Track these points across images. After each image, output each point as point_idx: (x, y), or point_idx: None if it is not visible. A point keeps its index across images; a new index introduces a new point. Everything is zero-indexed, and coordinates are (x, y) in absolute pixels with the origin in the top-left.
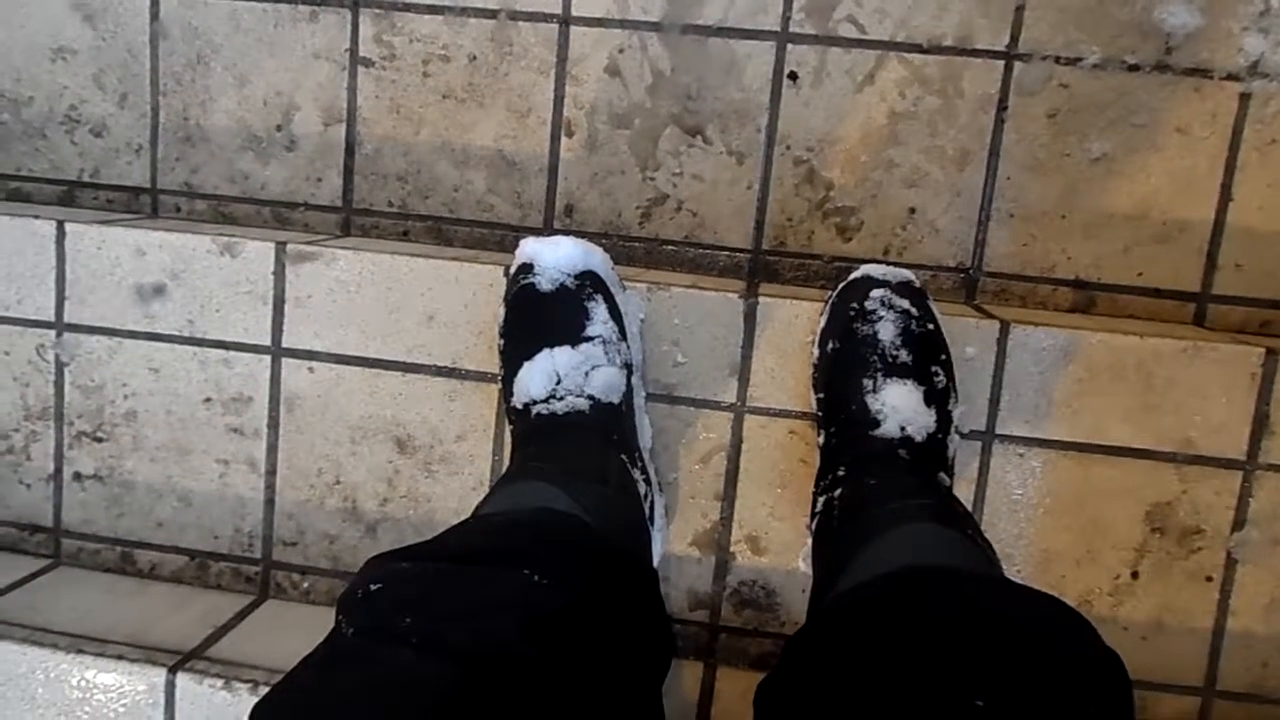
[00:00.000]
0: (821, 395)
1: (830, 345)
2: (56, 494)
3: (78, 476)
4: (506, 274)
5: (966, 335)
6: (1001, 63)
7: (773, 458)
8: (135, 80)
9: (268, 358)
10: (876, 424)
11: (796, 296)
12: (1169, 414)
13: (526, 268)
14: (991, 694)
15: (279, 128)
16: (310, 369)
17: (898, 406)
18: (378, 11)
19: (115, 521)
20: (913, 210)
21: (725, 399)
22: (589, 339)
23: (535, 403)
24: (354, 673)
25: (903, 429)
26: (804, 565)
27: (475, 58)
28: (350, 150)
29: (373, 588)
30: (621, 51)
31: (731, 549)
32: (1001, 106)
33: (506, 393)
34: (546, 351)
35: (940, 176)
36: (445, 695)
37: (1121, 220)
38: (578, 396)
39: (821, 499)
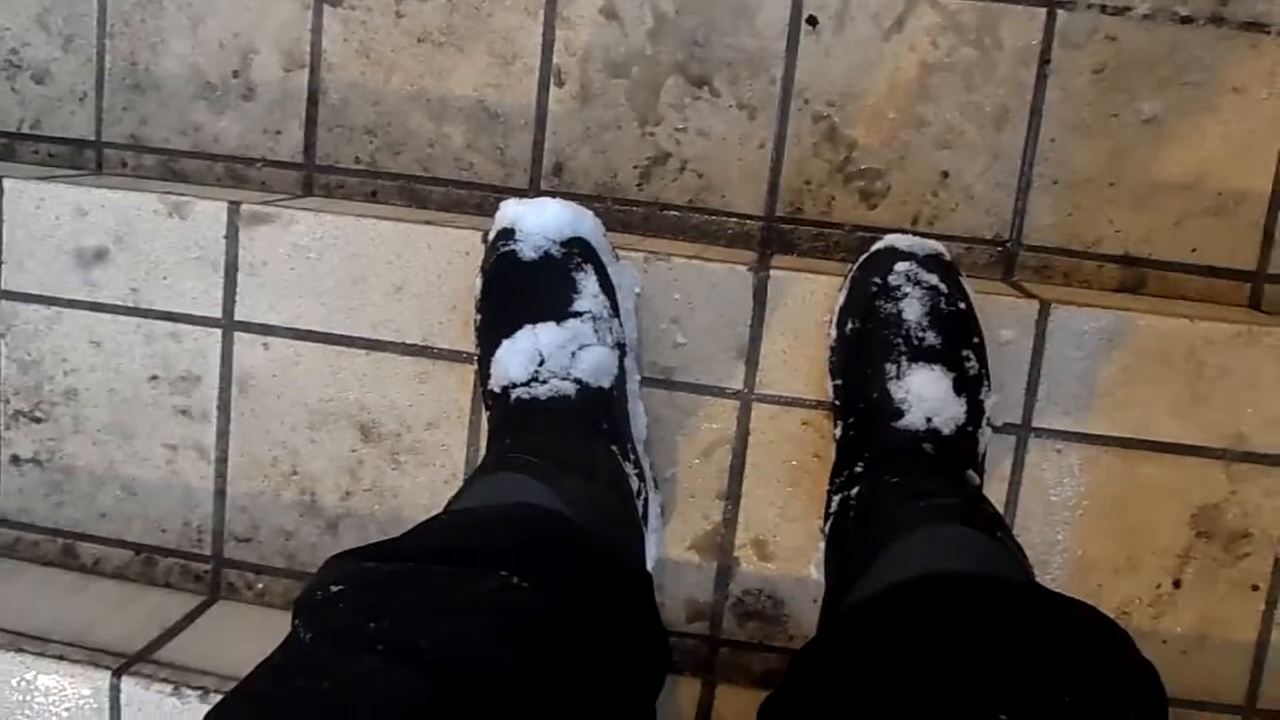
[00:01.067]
0: (839, 382)
1: (849, 325)
2: None
3: (15, 460)
4: (485, 240)
5: (1002, 316)
6: (1044, 10)
7: (783, 452)
8: (81, 21)
9: (218, 331)
10: (900, 414)
11: (813, 270)
12: (1220, 406)
13: (507, 233)
14: (1016, 708)
15: (235, 74)
16: (265, 345)
17: (924, 395)
18: None
19: (56, 510)
20: (945, 174)
21: (731, 385)
22: (576, 315)
23: (515, 386)
24: (313, 682)
25: (929, 420)
26: (815, 572)
27: None
28: (313, 99)
29: (333, 589)
30: None
31: (735, 554)
32: (1044, 60)
33: (483, 374)
34: (529, 328)
35: (976, 137)
36: (415, 707)
37: (1173, 190)
38: (563, 379)
39: (837, 498)
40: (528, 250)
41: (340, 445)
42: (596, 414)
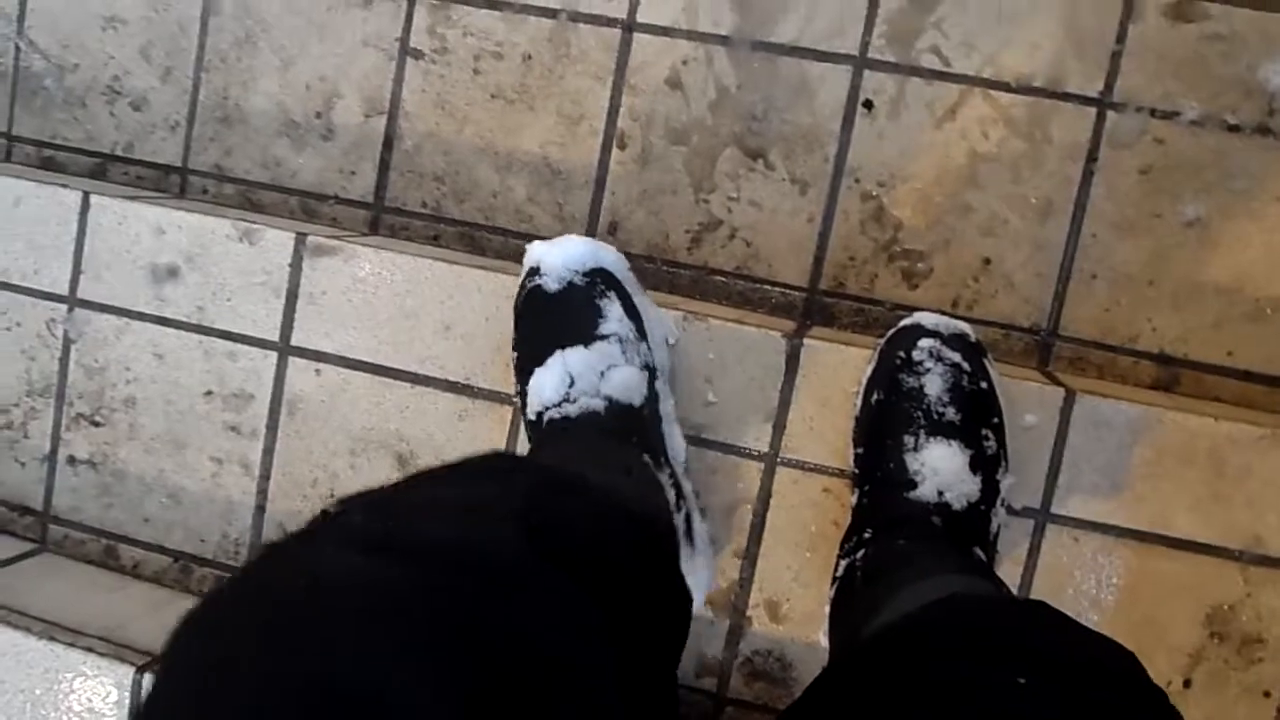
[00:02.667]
0: (860, 450)
1: (874, 396)
2: (49, 476)
3: (71, 460)
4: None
5: (1027, 401)
6: (1094, 110)
7: (803, 517)
8: (181, 55)
9: (274, 354)
10: (912, 485)
11: (846, 342)
12: (1240, 507)
13: (533, 271)
14: (1035, 673)
15: (318, 115)
16: (317, 371)
17: (938, 468)
18: (434, 2)
19: (104, 512)
20: (987, 261)
21: (757, 447)
22: (603, 337)
23: (548, 408)
24: (290, 576)
25: (940, 494)
26: (824, 639)
27: (530, 57)
28: (388, 144)
29: (332, 510)
30: (685, 63)
31: (748, 613)
32: (1091, 157)
33: (522, 407)
34: (558, 353)
35: (1020, 227)
36: (400, 596)
37: (1213, 292)
38: (592, 397)
39: (844, 562)
40: (552, 283)
41: (378, 472)
42: (628, 428)
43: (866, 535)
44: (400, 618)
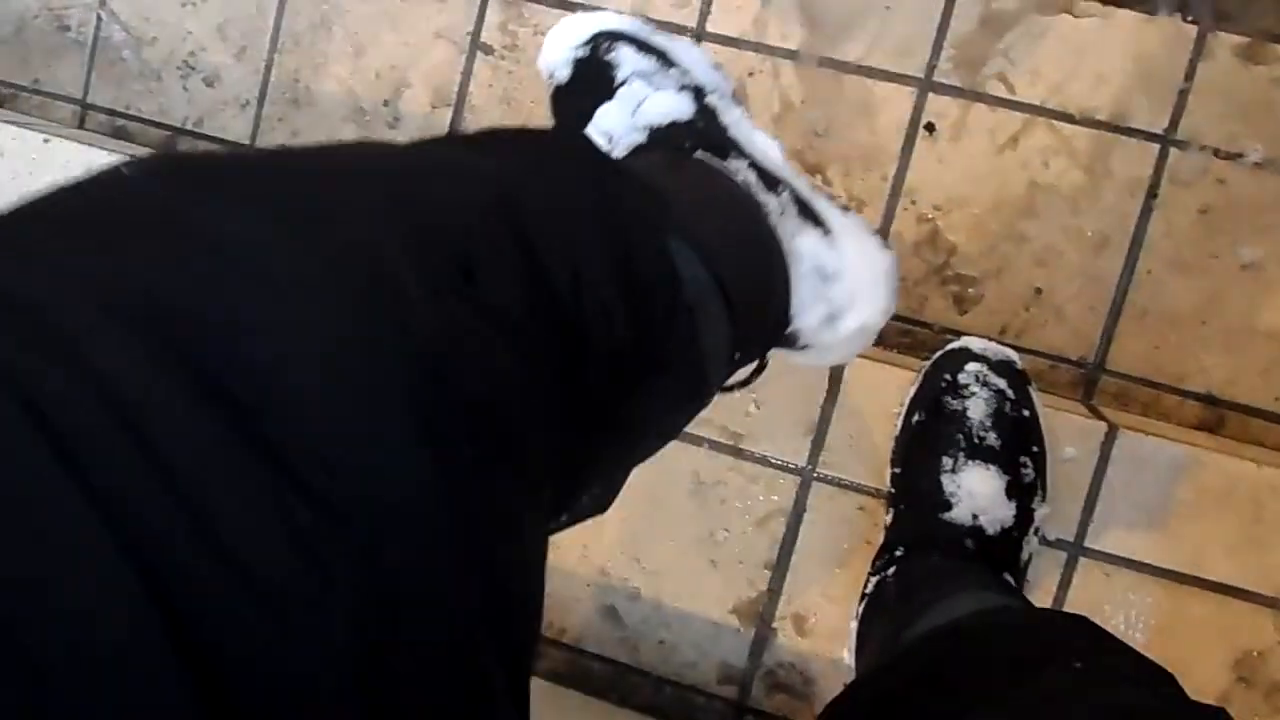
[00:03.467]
0: (897, 470)
1: (915, 417)
2: None
3: None
4: None
5: (1068, 433)
6: (1156, 146)
7: (836, 533)
8: (256, 35)
9: None
10: (947, 506)
11: (891, 362)
12: (1276, 553)
13: (549, 77)
14: (1088, 660)
15: (386, 103)
16: None
17: (974, 492)
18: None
19: None
20: (1039, 291)
21: (795, 461)
22: (623, 83)
23: None
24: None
25: (975, 517)
26: (849, 657)
27: None
28: None
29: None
30: (751, 75)
31: (774, 625)
32: (1151, 193)
33: None
34: (589, 126)
35: (1074, 259)
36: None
37: (1265, 337)
38: (632, 134)
39: (874, 579)
40: (562, 73)
41: None
42: (676, 142)
43: (899, 553)
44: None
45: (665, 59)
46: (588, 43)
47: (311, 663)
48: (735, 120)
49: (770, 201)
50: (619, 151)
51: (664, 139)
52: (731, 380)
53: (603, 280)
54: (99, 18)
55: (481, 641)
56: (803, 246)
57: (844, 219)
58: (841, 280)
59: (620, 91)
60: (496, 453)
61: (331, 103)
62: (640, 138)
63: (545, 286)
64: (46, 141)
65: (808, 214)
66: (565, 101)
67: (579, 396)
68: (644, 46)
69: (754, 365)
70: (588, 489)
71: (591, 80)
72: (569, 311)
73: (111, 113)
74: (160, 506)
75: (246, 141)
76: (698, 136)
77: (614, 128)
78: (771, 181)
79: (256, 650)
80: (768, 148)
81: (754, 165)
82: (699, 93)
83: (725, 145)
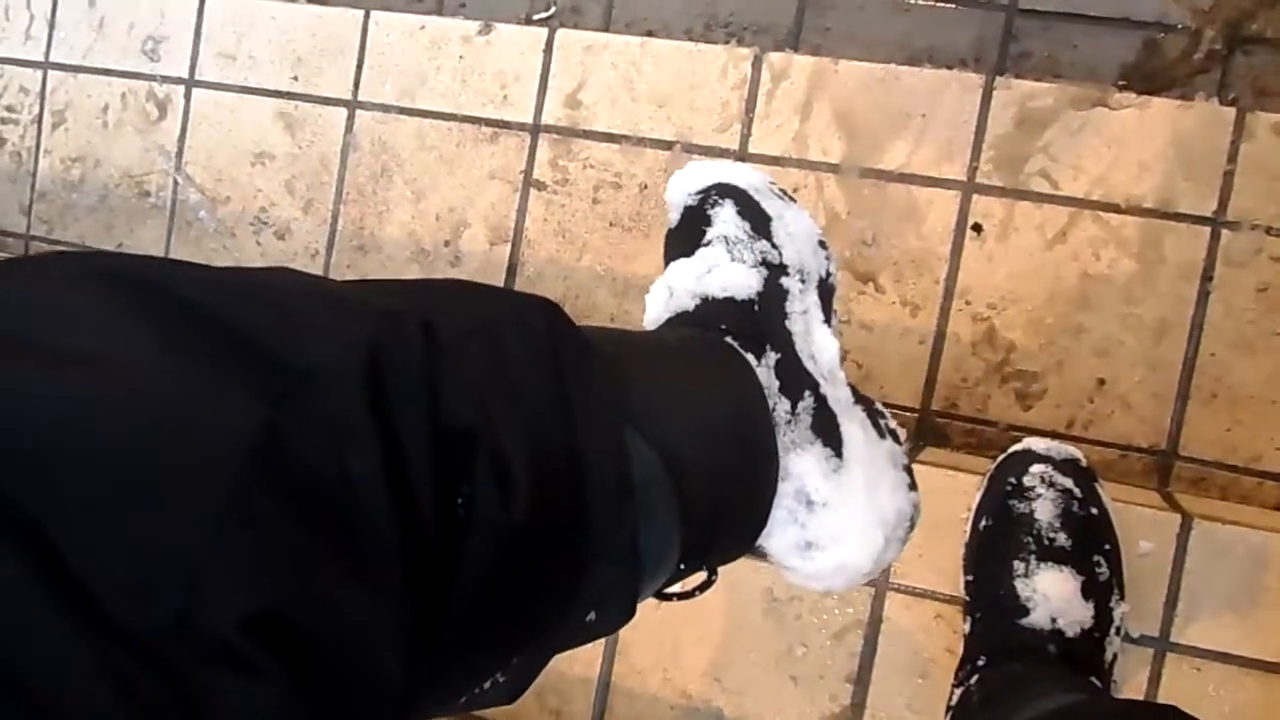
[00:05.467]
0: (970, 577)
1: (984, 522)
2: None
3: None
4: None
5: (1142, 527)
6: (1207, 229)
7: (915, 643)
8: (322, 188)
9: None
10: (1025, 612)
11: (955, 466)
12: None
13: (669, 212)
14: None
15: (447, 243)
16: None
17: (1050, 595)
18: (556, 137)
19: None
20: (1102, 381)
21: None
22: (706, 244)
23: None
24: None
25: (1053, 620)
26: None
27: (646, 187)
28: (512, 271)
29: None
30: (796, 191)
31: None
32: (1206, 276)
33: None
34: (661, 277)
35: (1135, 347)
36: None
37: None
38: (685, 299)
39: (958, 690)
40: (674, 215)
41: None
42: (718, 317)
43: (981, 663)
44: None
45: (762, 226)
46: (701, 192)
47: None
48: (803, 309)
49: (783, 405)
50: (670, 311)
51: (706, 314)
52: (673, 589)
53: (508, 441)
54: (175, 182)
55: None
56: (796, 464)
57: (868, 447)
58: (829, 512)
59: (700, 251)
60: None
61: (395, 247)
62: (689, 304)
63: (432, 423)
64: None
65: (825, 430)
66: (669, 244)
67: (435, 561)
68: (749, 208)
69: (704, 578)
70: (486, 674)
71: (688, 231)
72: (455, 463)
73: None
74: None
75: None
76: (742, 320)
77: (677, 284)
78: (797, 384)
79: None
80: (825, 346)
81: (786, 362)
82: (776, 271)
83: (766, 336)
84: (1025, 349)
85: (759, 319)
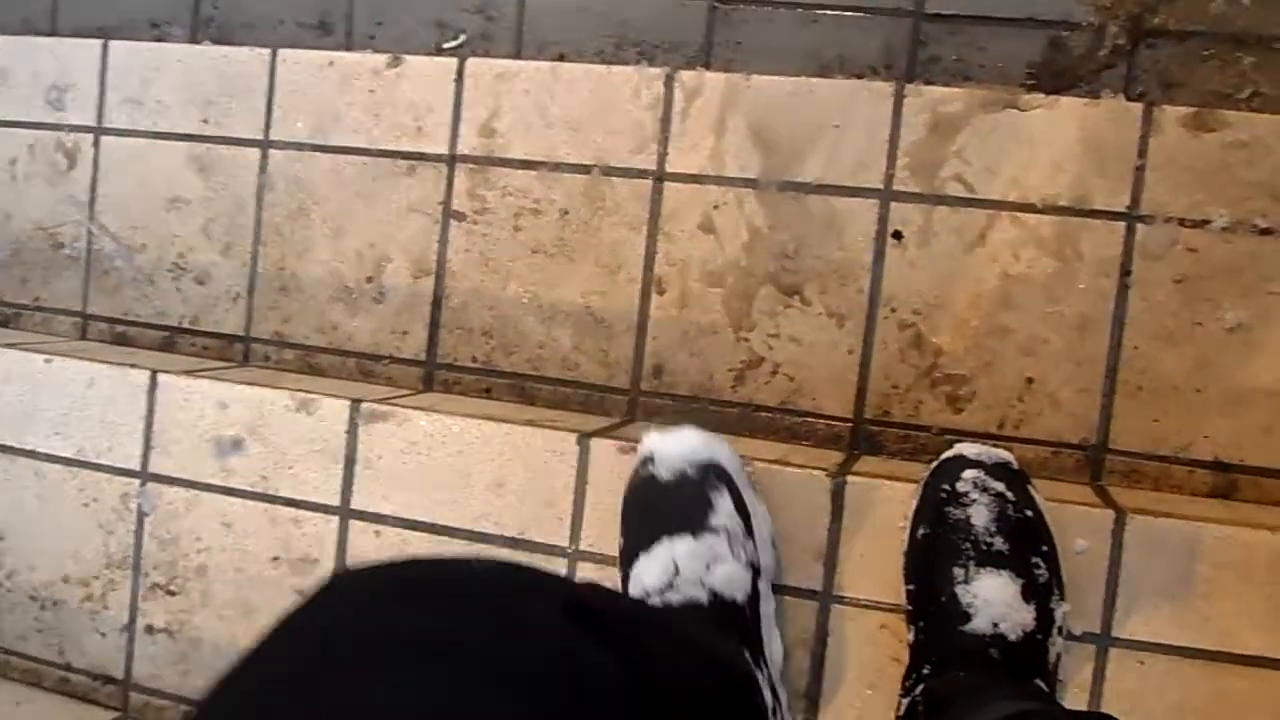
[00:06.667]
0: (911, 586)
1: (921, 530)
2: (129, 645)
3: (149, 629)
4: (581, 441)
5: (1077, 525)
6: (1122, 224)
7: (862, 654)
8: (239, 230)
9: (336, 519)
10: (967, 618)
11: (890, 475)
12: None
13: (647, 460)
14: None
15: (369, 279)
16: (377, 532)
17: (990, 599)
18: (473, 166)
19: (182, 679)
20: (1030, 380)
21: (810, 585)
22: (712, 530)
23: (649, 595)
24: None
25: (995, 625)
26: None
27: (567, 212)
28: (437, 303)
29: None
30: (716, 208)
31: None
32: (1124, 271)
33: (624, 592)
34: (665, 541)
35: (1060, 344)
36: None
37: (1262, 396)
38: (696, 588)
39: (905, 700)
40: (664, 472)
41: None
42: (729, 621)
43: (926, 671)
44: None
45: (748, 523)
46: (701, 467)
47: None
48: (769, 613)
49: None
50: (678, 594)
51: (719, 613)
52: None
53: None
54: (89, 232)
55: None
56: None
57: None
58: None
59: (705, 536)
60: None
61: (318, 286)
62: (702, 596)
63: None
64: (48, 361)
65: None
66: (654, 497)
67: None
68: (739, 504)
69: None
70: None
71: (686, 502)
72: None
73: (111, 320)
74: None
75: (241, 334)
76: (743, 627)
77: (685, 563)
78: (774, 695)
79: None
80: (777, 650)
81: (770, 681)
82: (755, 574)
83: (757, 644)
84: (953, 353)
85: (749, 626)
